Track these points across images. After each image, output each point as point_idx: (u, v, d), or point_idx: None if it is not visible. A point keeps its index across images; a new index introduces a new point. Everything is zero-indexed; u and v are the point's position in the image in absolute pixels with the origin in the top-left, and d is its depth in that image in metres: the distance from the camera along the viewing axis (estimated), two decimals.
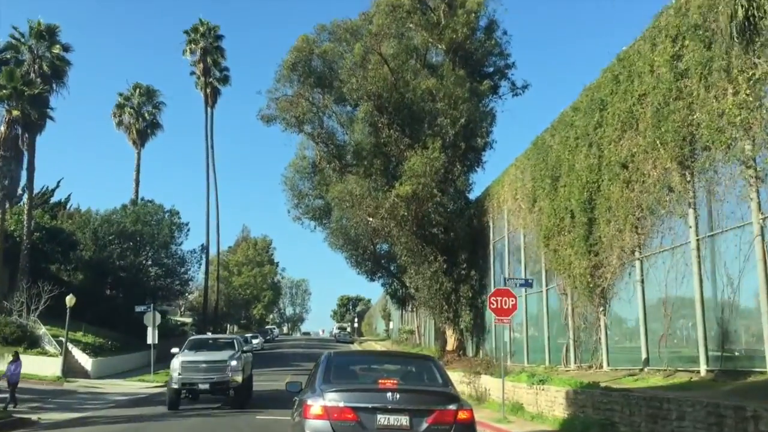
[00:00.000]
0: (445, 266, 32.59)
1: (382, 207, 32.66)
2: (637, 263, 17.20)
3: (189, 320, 70.03)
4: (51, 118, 37.40)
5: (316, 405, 7.99)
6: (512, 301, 16.70)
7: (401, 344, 57.17)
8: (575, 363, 20.85)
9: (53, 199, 50.14)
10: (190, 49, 57.37)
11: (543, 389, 16.28)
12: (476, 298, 32.55)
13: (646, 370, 16.41)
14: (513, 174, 27.71)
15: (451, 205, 33.44)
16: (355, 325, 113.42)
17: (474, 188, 35.86)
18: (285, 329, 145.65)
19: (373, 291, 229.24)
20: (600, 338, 19.19)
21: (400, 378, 9.07)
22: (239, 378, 22.00)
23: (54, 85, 38.46)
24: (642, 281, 16.98)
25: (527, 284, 17.70)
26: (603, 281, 18.89)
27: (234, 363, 22.03)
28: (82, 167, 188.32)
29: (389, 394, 8.02)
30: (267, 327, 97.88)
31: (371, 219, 36.65)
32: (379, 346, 65.51)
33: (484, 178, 52.00)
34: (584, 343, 20.46)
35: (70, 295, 31.52)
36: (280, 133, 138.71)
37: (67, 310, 31.09)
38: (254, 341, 63.75)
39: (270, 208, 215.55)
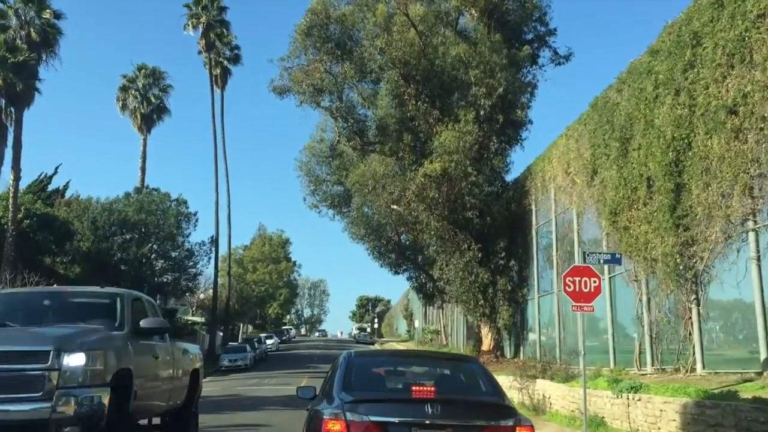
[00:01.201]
0: (480, 255, 28.76)
1: (409, 189, 29.05)
2: (751, 235, 13.22)
3: (201, 319, 66.56)
4: (38, 90, 33.98)
5: (335, 420, 6.38)
6: (595, 282, 12.82)
7: (425, 345, 53.39)
8: (653, 365, 16.92)
9: (51, 187, 46.66)
10: (192, 24, 53.12)
11: (639, 399, 12.32)
12: (516, 292, 28.84)
13: (766, 374, 12.45)
14: (563, 145, 23.86)
15: (486, 186, 29.58)
16: (375, 326, 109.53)
17: (512, 169, 32.12)
18: (303, 331, 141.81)
19: (393, 291, 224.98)
20: (691, 334, 15.23)
21: (437, 384, 7.37)
22: (81, 403, 7.89)
23: (43, 55, 34.97)
24: (758, 258, 13.01)
25: (614, 260, 13.80)
26: (696, 262, 14.94)
27: (76, 361, 8.02)
28: (84, 154, 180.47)
29: (427, 406, 6.45)
30: (283, 327, 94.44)
31: (395, 207, 33.12)
32: (401, 348, 61.84)
33: (523, 158, 48.16)
34: (666, 341, 16.53)
35: (54, 286, 27.87)
36: (300, 119, 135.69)
37: None
38: (269, 342, 60.33)
39: (288, 204, 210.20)
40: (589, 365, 20.63)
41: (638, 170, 17.19)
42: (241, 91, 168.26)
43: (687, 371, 15.19)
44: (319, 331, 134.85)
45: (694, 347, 15.11)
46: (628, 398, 12.68)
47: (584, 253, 13.46)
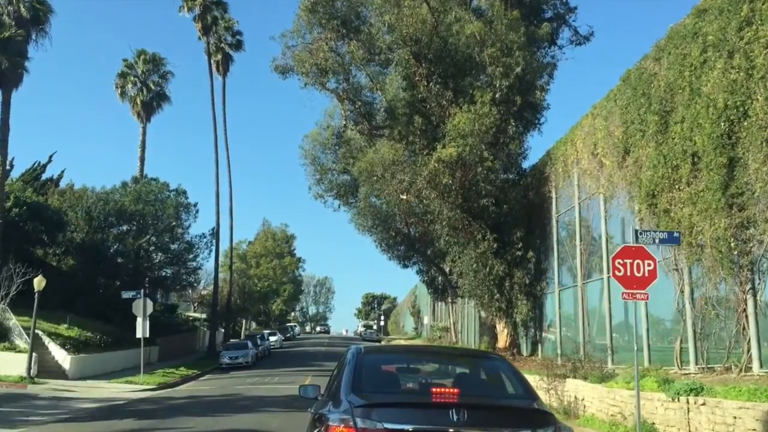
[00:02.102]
0: (495, 246, 26.86)
1: (420, 175, 27.23)
2: None
3: (202, 316, 64.79)
4: (26, 70, 32.05)
5: (343, 428, 5.53)
6: (649, 265, 10.97)
7: (435, 343, 51.53)
8: (696, 364, 15.11)
9: (45, 176, 44.90)
10: (187, 5, 50.48)
11: (702, 404, 10.45)
12: (534, 285, 26.99)
13: None
14: (589, 125, 22.06)
15: (502, 172, 27.76)
16: (381, 323, 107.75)
17: (529, 155, 30.32)
18: (308, 328, 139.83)
19: (400, 288, 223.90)
20: (745, 328, 13.40)
21: (459, 385, 6.57)
22: None
23: (32, 33, 33.12)
24: None
25: (672, 239, 11.91)
26: (754, 246, 13.12)
27: None
28: (81, 143, 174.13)
29: (451, 412, 5.52)
30: (287, 324, 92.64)
31: (404, 196, 31.32)
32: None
33: (541, 144, 46.18)
34: (714, 336, 14.70)
35: (39, 276, 26.09)
36: (307, 106, 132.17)
37: (35, 296, 25.62)
38: (272, 338, 58.47)
39: (293, 201, 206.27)
40: (618, 364, 18.96)
41: (681, 145, 15.39)
42: (246, 79, 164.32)
43: (741, 370, 13.38)
44: (321, 325, 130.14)
45: (749, 343, 13.31)
46: (687, 402, 10.81)
47: (636, 231, 11.58)
